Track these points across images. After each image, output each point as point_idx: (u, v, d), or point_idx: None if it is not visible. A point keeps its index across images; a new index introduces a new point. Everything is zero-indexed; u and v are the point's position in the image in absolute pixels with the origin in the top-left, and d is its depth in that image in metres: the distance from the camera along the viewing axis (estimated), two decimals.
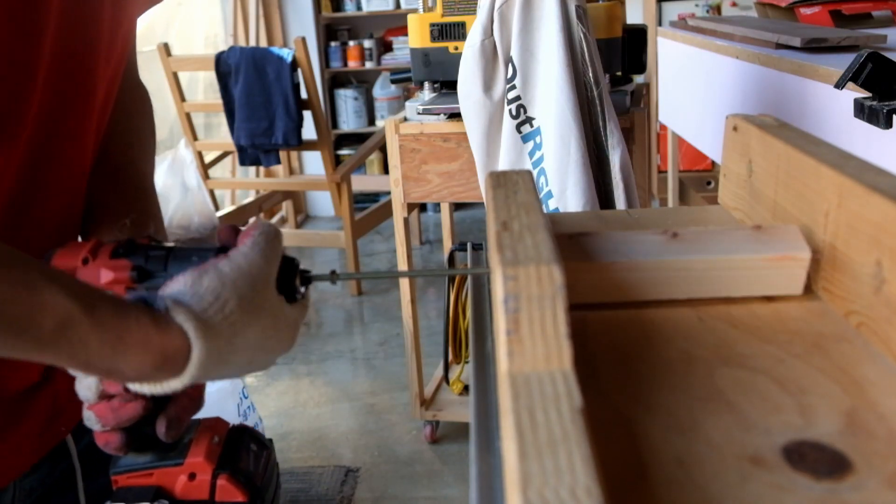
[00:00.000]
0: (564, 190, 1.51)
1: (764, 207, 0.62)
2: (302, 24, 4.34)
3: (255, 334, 0.50)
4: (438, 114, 1.80)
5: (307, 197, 4.63)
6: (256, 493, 0.59)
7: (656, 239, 0.54)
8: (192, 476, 0.58)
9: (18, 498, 0.66)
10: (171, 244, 0.52)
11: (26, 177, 0.60)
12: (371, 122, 4.53)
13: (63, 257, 0.50)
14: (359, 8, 4.43)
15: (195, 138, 3.39)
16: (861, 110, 1.05)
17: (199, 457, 0.58)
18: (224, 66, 3.07)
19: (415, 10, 1.89)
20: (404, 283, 2.09)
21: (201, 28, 4.08)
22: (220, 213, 3.36)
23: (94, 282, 0.49)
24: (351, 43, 4.47)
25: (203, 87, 3.93)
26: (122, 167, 0.74)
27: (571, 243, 0.55)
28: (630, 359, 0.47)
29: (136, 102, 0.79)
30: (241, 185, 3.91)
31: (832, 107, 1.25)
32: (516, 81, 1.55)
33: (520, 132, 1.58)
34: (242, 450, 0.61)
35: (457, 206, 4.12)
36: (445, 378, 2.27)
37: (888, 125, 1.00)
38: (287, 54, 2.99)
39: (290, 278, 0.51)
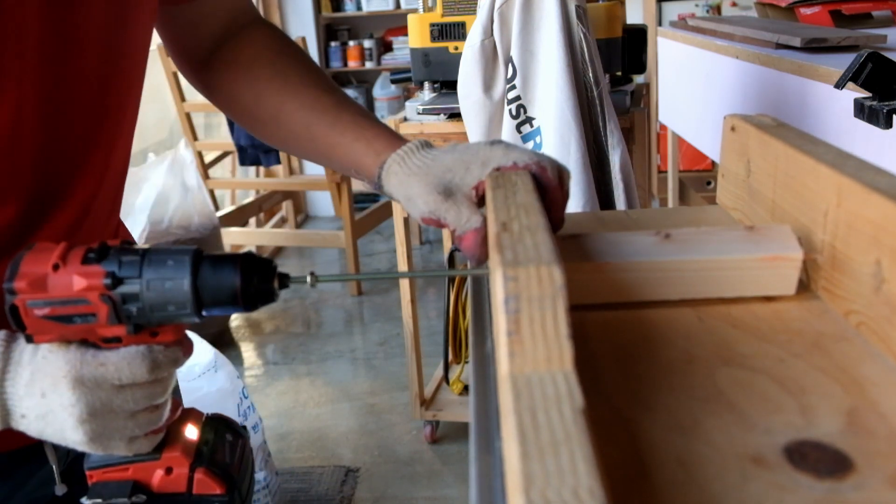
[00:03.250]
0: None
1: (762, 207, 0.62)
2: (302, 24, 4.34)
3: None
4: (438, 114, 1.80)
5: (307, 197, 4.63)
6: (233, 485, 0.59)
7: (649, 240, 0.54)
8: (168, 470, 0.58)
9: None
10: (145, 247, 0.51)
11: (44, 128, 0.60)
12: None
13: (32, 263, 0.49)
14: (359, 8, 4.43)
15: (195, 138, 3.38)
16: (861, 110, 1.05)
17: (176, 451, 0.57)
18: None
19: (415, 10, 1.89)
20: (404, 284, 2.09)
21: None
22: (220, 213, 3.36)
23: (66, 290, 0.49)
24: (351, 43, 4.47)
25: None
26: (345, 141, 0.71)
27: (564, 244, 0.55)
28: (631, 359, 0.47)
29: (280, 72, 0.75)
30: (241, 185, 3.91)
31: (832, 107, 1.25)
32: (516, 81, 1.55)
33: (520, 132, 1.58)
34: (218, 441, 0.61)
35: None
36: (445, 378, 2.27)
37: (888, 125, 1.00)
38: None
39: (268, 280, 0.50)
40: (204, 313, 0.50)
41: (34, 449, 0.67)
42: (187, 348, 0.54)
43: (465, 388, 2.24)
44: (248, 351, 3.01)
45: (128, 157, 0.74)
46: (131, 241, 0.53)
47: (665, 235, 0.55)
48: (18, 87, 0.58)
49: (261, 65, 0.76)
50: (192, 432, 0.59)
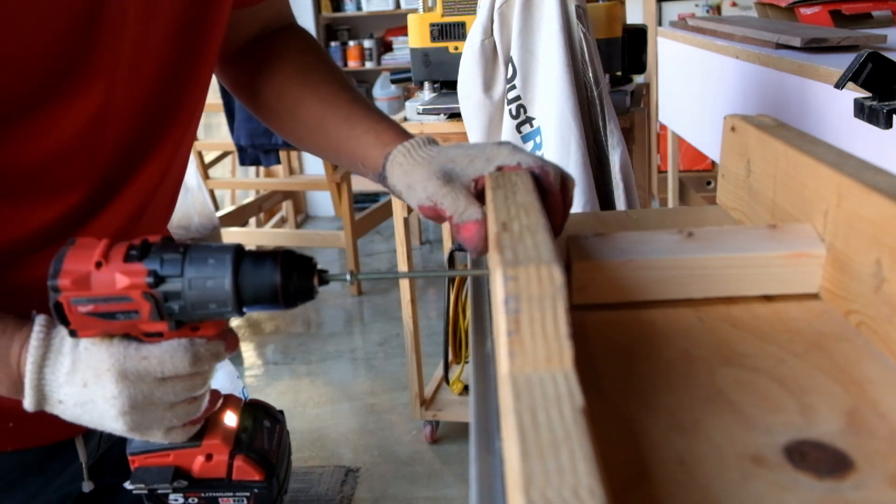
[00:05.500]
0: None
1: (763, 207, 0.62)
2: (302, 23, 4.29)
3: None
4: (438, 114, 1.80)
5: (307, 197, 4.63)
6: (272, 471, 0.61)
7: (672, 238, 0.55)
8: (209, 457, 0.59)
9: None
10: (186, 244, 0.51)
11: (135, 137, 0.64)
12: None
13: (75, 260, 0.49)
14: (359, 8, 4.43)
15: (195, 138, 3.38)
16: (861, 110, 1.05)
17: (217, 438, 0.59)
18: None
19: (415, 10, 1.89)
20: (404, 284, 2.09)
21: None
22: (220, 213, 3.36)
23: (109, 288, 0.49)
24: (351, 43, 4.47)
25: None
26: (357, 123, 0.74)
27: (586, 244, 0.55)
28: (631, 359, 0.47)
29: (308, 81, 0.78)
30: (241, 185, 3.91)
31: (832, 107, 1.25)
32: (516, 81, 1.55)
33: (520, 132, 1.58)
34: (257, 428, 0.62)
35: None
36: (445, 378, 2.26)
37: (888, 125, 1.00)
38: None
39: (308, 277, 0.51)
40: (245, 311, 0.50)
41: (66, 445, 0.69)
42: (231, 343, 0.55)
43: (465, 388, 2.24)
44: (248, 351, 3.01)
45: (188, 158, 0.77)
46: (171, 238, 0.53)
47: (688, 234, 0.55)
48: (109, 78, 0.60)
49: (285, 62, 0.78)
50: (231, 419, 0.60)
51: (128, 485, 0.58)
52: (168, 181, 0.73)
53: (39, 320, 0.52)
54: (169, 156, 0.70)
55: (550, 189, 0.59)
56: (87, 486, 0.68)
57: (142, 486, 0.58)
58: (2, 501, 0.67)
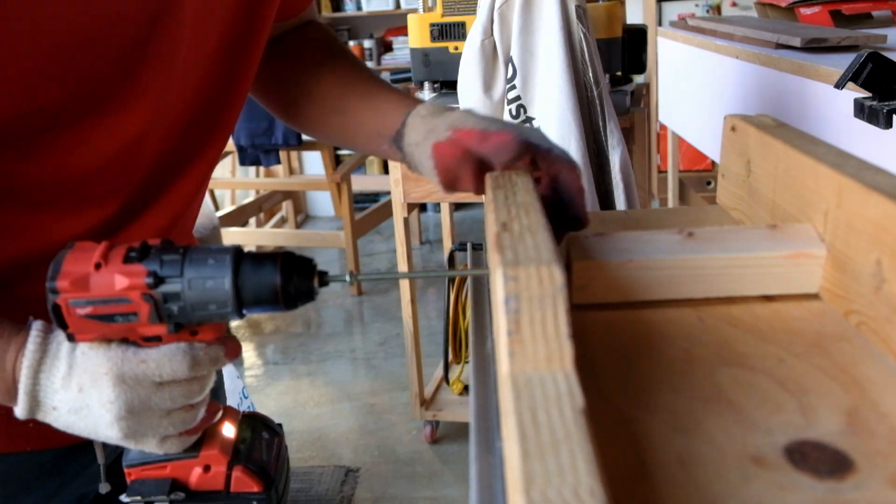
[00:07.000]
0: None
1: (763, 207, 0.62)
2: None
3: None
4: None
5: (307, 197, 4.63)
6: (270, 483, 0.60)
7: (672, 238, 0.55)
8: (206, 468, 0.58)
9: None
10: (185, 245, 0.51)
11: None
12: None
13: (74, 262, 0.49)
14: (359, 8, 4.43)
15: None
16: (861, 110, 1.05)
17: (214, 449, 0.58)
18: None
19: (415, 10, 1.89)
20: (404, 284, 2.09)
21: None
22: (220, 213, 3.36)
23: (108, 289, 0.49)
24: (351, 43, 4.47)
25: None
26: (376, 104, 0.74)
27: (586, 244, 0.55)
28: (631, 359, 0.47)
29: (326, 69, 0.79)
30: (241, 185, 3.91)
31: (832, 107, 1.25)
32: (516, 81, 1.55)
33: None
34: (256, 439, 0.61)
35: (457, 206, 4.12)
36: (445, 378, 2.27)
37: (888, 125, 1.00)
38: None
39: (308, 279, 0.50)
40: (244, 312, 0.50)
41: (84, 446, 0.69)
42: (231, 349, 0.54)
43: (465, 388, 2.24)
44: (248, 351, 3.01)
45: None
46: (171, 240, 0.53)
47: (688, 234, 0.55)
48: (158, 96, 0.60)
49: (305, 50, 0.79)
50: (229, 430, 0.60)
51: (124, 497, 0.57)
52: (200, 195, 0.73)
53: (37, 325, 0.52)
54: (204, 171, 0.71)
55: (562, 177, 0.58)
56: (104, 488, 0.68)
57: (138, 498, 0.57)
58: (19, 501, 0.67)
